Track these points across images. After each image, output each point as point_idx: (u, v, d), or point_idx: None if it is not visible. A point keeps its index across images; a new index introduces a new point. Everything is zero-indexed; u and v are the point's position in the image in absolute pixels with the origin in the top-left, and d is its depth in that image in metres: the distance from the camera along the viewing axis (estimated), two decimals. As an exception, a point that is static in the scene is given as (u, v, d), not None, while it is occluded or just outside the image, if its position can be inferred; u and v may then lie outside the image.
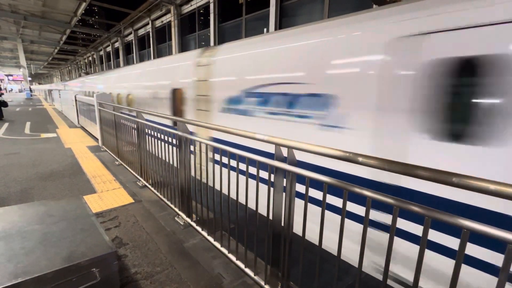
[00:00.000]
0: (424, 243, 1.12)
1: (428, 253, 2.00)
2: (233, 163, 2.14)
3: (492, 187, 0.91)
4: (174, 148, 2.94)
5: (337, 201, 2.31)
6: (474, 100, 1.73)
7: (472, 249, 1.74)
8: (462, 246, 1.01)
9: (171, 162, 3.05)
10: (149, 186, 3.84)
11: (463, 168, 1.76)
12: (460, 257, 1.02)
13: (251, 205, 2.02)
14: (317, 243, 1.63)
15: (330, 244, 1.93)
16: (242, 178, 2.05)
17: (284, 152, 1.80)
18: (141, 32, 20.38)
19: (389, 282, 2.13)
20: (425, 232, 1.11)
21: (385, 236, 2.17)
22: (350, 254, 2.19)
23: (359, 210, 2.19)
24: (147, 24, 18.64)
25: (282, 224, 1.88)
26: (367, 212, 1.32)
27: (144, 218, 3.08)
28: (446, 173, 1.04)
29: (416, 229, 2.00)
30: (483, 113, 1.68)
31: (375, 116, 2.15)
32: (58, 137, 7.86)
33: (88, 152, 6.07)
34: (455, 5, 1.79)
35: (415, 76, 1.93)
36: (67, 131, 9.14)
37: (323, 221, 1.58)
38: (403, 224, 2.03)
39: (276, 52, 3.11)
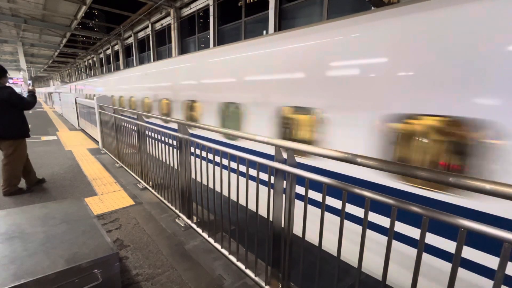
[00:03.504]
0: (422, 244, 1.14)
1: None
2: (233, 165, 2.16)
3: (488, 186, 0.93)
4: (175, 150, 2.95)
5: (337, 203, 2.33)
6: None
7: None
8: (460, 246, 1.03)
9: (171, 164, 3.07)
10: (150, 188, 3.86)
11: None
12: (457, 258, 1.04)
13: (252, 206, 2.04)
14: (317, 244, 1.64)
15: (329, 245, 1.95)
16: (242, 179, 2.07)
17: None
18: (141, 35, 20.46)
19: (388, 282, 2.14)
20: (423, 232, 1.12)
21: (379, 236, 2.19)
22: (348, 255, 2.20)
23: (359, 212, 2.21)
24: (147, 27, 18.72)
25: (282, 225, 1.89)
26: (366, 213, 1.34)
27: (145, 220, 3.09)
28: (443, 173, 1.06)
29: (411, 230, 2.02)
30: None
31: None
32: (59, 139, 7.88)
33: (89, 155, 6.08)
34: None
35: None
36: (67, 133, 9.15)
37: (323, 222, 1.59)
38: (399, 225, 2.05)
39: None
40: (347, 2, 7.64)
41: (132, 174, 4.51)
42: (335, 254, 1.52)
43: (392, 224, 1.24)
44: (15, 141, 3.72)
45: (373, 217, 2.18)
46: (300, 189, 1.88)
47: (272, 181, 1.88)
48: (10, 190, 3.70)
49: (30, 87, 4.39)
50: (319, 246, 1.63)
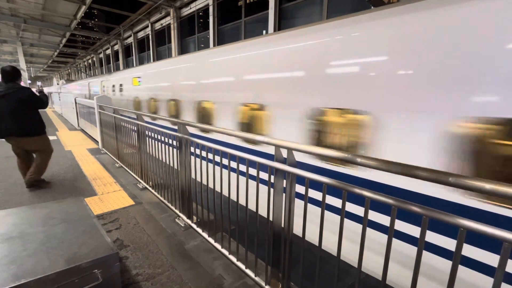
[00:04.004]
0: (422, 243, 1.14)
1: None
2: (233, 164, 2.16)
3: (487, 186, 0.93)
4: (174, 149, 2.95)
5: (337, 202, 2.33)
6: None
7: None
8: (459, 245, 1.03)
9: (171, 164, 3.07)
10: (150, 188, 3.86)
11: None
12: (457, 257, 1.04)
13: (252, 206, 2.04)
14: (317, 244, 1.64)
15: (330, 245, 1.95)
16: (242, 179, 2.07)
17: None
18: (141, 34, 20.45)
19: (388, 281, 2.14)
20: (423, 232, 1.13)
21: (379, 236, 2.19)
22: (348, 254, 2.20)
23: (359, 210, 2.21)
24: (147, 27, 18.71)
25: (282, 225, 1.90)
26: (366, 212, 1.34)
27: (145, 220, 3.09)
28: (443, 173, 1.06)
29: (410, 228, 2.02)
30: None
31: None
32: (58, 139, 7.87)
33: (89, 155, 6.08)
34: None
35: None
36: (67, 133, 9.15)
37: (323, 222, 1.59)
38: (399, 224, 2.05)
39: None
40: (347, 2, 7.64)
41: (132, 174, 4.51)
42: (335, 254, 1.52)
43: (392, 224, 1.24)
44: (40, 138, 3.98)
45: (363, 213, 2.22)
46: (299, 189, 1.88)
47: (272, 181, 1.88)
48: (36, 177, 3.99)
49: (40, 87, 4.63)
50: (319, 246, 1.63)
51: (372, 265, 2.21)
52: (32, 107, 3.87)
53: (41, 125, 4.01)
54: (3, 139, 3.77)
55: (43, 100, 4.04)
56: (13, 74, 3.77)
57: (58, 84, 25.29)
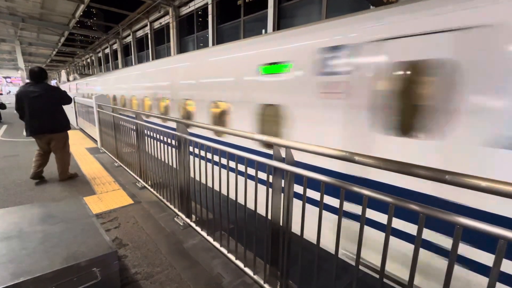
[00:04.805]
0: (419, 241, 1.15)
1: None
2: (232, 163, 2.16)
3: (483, 184, 0.94)
4: (173, 149, 2.95)
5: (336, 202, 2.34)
6: None
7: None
8: (456, 243, 1.03)
9: (170, 163, 3.07)
10: (149, 187, 3.85)
11: None
12: (453, 255, 1.04)
13: (250, 205, 2.05)
14: (315, 242, 1.65)
15: (328, 243, 1.96)
16: (241, 178, 2.07)
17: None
18: (140, 33, 20.40)
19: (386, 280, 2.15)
20: (420, 230, 1.13)
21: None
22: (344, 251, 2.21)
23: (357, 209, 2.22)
24: (146, 25, 18.66)
25: (281, 224, 1.90)
26: (363, 211, 1.34)
27: (144, 219, 3.09)
28: (440, 171, 1.07)
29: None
30: None
31: None
32: (57, 139, 7.84)
33: (87, 154, 6.07)
34: None
35: None
36: (66, 133, 9.11)
37: (321, 220, 1.60)
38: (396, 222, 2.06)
39: None
40: (346, 1, 7.64)
41: (131, 173, 4.50)
42: (333, 252, 1.53)
43: (389, 222, 1.24)
44: (66, 133, 4.32)
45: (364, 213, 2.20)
46: (298, 188, 1.89)
47: (270, 180, 1.89)
48: (64, 176, 4.32)
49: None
50: (317, 244, 1.64)
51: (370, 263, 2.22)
52: (61, 105, 4.25)
53: (68, 121, 4.39)
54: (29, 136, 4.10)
55: (70, 98, 4.49)
56: (41, 74, 4.03)
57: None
